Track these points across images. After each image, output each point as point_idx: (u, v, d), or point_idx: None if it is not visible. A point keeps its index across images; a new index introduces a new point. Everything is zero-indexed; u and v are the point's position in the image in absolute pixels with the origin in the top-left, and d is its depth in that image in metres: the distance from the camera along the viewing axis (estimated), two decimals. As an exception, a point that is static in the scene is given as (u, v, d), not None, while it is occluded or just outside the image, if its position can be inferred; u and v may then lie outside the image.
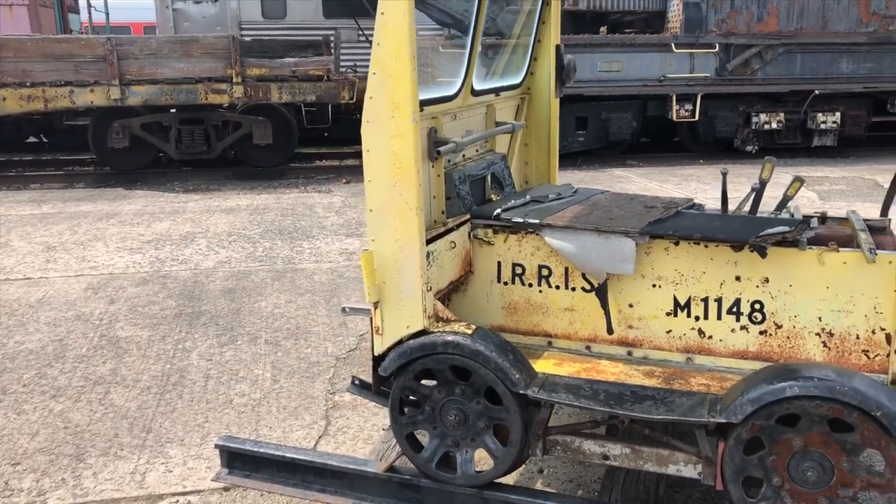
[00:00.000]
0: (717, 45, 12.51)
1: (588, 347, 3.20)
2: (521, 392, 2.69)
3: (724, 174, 3.23)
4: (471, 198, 3.38)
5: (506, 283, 3.28)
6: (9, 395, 4.42)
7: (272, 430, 4.00)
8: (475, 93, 3.64)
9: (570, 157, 12.43)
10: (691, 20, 12.52)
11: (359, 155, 12.46)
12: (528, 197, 3.46)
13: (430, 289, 2.87)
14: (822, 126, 13.12)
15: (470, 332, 2.80)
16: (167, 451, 3.81)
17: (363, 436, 3.96)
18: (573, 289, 3.17)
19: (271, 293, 6.15)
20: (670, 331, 3.06)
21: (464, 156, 3.52)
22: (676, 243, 2.98)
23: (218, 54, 11.40)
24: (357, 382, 3.19)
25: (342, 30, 13.32)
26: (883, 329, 2.78)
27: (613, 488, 3.13)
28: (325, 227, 8.36)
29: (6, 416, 4.17)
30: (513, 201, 3.39)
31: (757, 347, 2.96)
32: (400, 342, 2.85)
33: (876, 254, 2.70)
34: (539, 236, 3.16)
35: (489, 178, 3.63)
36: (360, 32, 14.03)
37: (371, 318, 2.88)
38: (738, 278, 2.92)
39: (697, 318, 3.01)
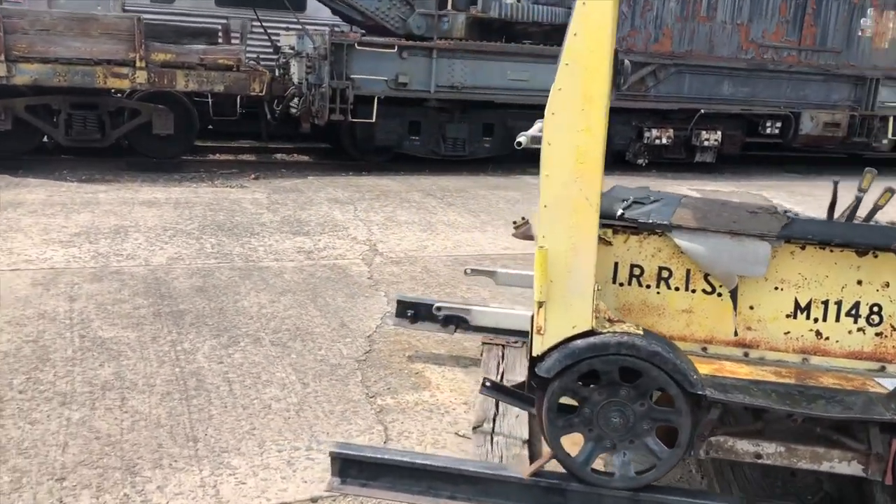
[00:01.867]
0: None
1: (704, 349, 3.25)
2: (699, 393, 2.70)
3: (836, 183, 3.38)
4: (581, 197, 3.34)
5: (621, 285, 3.27)
6: (7, 402, 3.90)
7: (331, 437, 3.76)
8: None
9: (480, 163, 12.55)
10: (595, 36, 12.99)
11: (256, 150, 11.92)
12: (630, 198, 3.47)
13: (599, 288, 2.82)
14: (706, 143, 14.03)
15: (641, 332, 2.77)
16: (228, 462, 3.50)
17: (428, 440, 3.81)
18: (693, 291, 3.22)
19: (247, 292, 5.79)
20: (788, 332, 3.17)
21: None
22: (803, 247, 3.09)
23: (120, 36, 10.56)
24: (489, 384, 3.06)
25: (235, 20, 12.75)
26: None
27: (731, 487, 3.21)
28: (265, 225, 7.97)
29: (19, 427, 3.67)
30: (622, 202, 3.38)
31: (872, 348, 3.12)
32: (563, 342, 2.78)
33: None
34: (662, 237, 3.18)
35: None
36: (259, 23, 13.49)
37: (532, 317, 2.79)
38: (859, 282, 3.08)
39: (816, 321, 3.14)
